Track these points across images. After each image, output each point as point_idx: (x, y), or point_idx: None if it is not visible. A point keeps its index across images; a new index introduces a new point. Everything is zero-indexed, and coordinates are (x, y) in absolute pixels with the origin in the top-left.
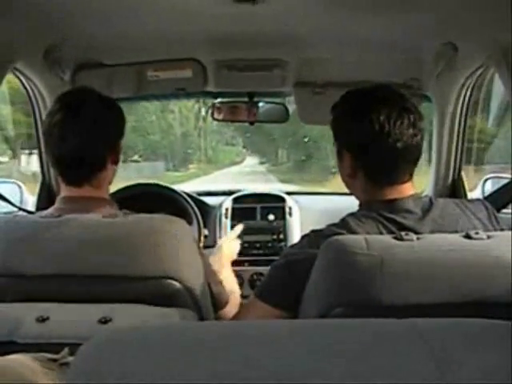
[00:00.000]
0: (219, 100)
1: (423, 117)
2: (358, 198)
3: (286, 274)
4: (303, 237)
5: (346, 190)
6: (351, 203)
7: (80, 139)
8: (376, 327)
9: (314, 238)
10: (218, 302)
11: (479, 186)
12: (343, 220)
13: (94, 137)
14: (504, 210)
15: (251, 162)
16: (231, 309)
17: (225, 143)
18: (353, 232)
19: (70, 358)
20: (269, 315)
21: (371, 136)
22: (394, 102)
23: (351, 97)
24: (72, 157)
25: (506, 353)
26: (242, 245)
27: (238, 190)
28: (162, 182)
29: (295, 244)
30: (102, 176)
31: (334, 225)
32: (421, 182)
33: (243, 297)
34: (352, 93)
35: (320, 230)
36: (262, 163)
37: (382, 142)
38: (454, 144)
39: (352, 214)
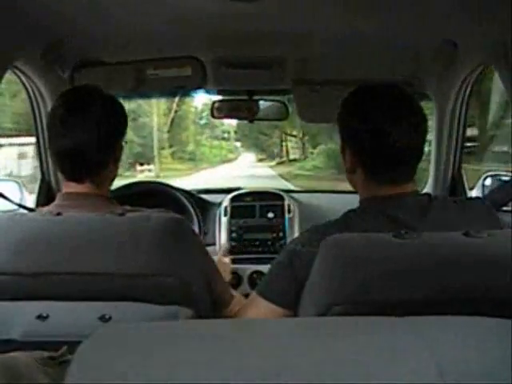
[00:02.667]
0: (219, 98)
1: (427, 118)
2: (358, 192)
3: (287, 271)
4: (304, 232)
5: (346, 188)
6: (351, 201)
7: (82, 136)
8: (376, 325)
9: (314, 233)
10: (222, 300)
11: (479, 184)
12: (344, 216)
13: (96, 134)
14: (504, 208)
15: (248, 159)
16: (235, 307)
17: (213, 136)
18: (353, 228)
19: (70, 356)
20: (270, 313)
21: (369, 134)
22: (395, 101)
23: (355, 94)
24: (73, 153)
25: (507, 350)
26: (241, 243)
27: (238, 188)
28: (162, 180)
29: (295, 239)
30: (103, 174)
31: (334, 221)
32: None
33: (243, 295)
34: (357, 90)
35: (320, 226)
36: (261, 160)
37: (379, 142)
38: (454, 141)
39: (352, 211)
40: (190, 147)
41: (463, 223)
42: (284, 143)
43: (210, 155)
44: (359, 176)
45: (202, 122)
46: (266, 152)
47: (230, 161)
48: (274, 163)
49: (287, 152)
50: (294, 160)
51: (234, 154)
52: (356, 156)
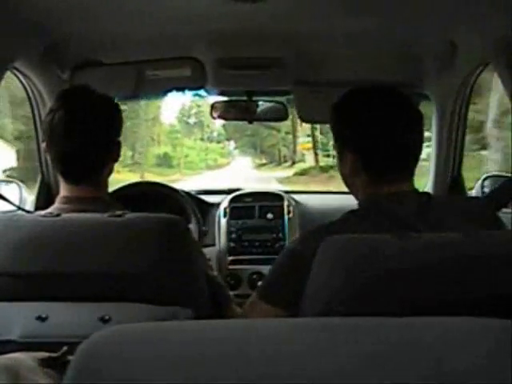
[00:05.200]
0: (218, 99)
1: (424, 119)
2: (356, 196)
3: (287, 272)
4: (304, 232)
5: (346, 189)
6: (350, 202)
7: (82, 138)
8: (375, 326)
9: (314, 233)
10: (221, 301)
11: (478, 184)
12: (344, 217)
13: (96, 135)
14: (504, 210)
15: (243, 164)
16: (236, 308)
17: (198, 138)
18: (353, 228)
19: (70, 357)
20: (272, 315)
21: (370, 136)
22: (393, 102)
23: (352, 96)
24: (74, 155)
25: (506, 351)
26: (240, 244)
27: (238, 189)
28: (160, 181)
29: (296, 240)
30: (101, 175)
31: (335, 221)
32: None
33: (242, 296)
34: (353, 92)
35: (320, 226)
36: (261, 165)
37: (380, 143)
38: (453, 142)
39: (352, 211)
40: (161, 149)
41: (462, 221)
42: (307, 139)
43: (197, 159)
44: (360, 178)
45: (191, 120)
46: (266, 154)
47: (219, 167)
48: (291, 173)
49: (315, 153)
50: (331, 167)
51: (227, 158)
52: (357, 159)
